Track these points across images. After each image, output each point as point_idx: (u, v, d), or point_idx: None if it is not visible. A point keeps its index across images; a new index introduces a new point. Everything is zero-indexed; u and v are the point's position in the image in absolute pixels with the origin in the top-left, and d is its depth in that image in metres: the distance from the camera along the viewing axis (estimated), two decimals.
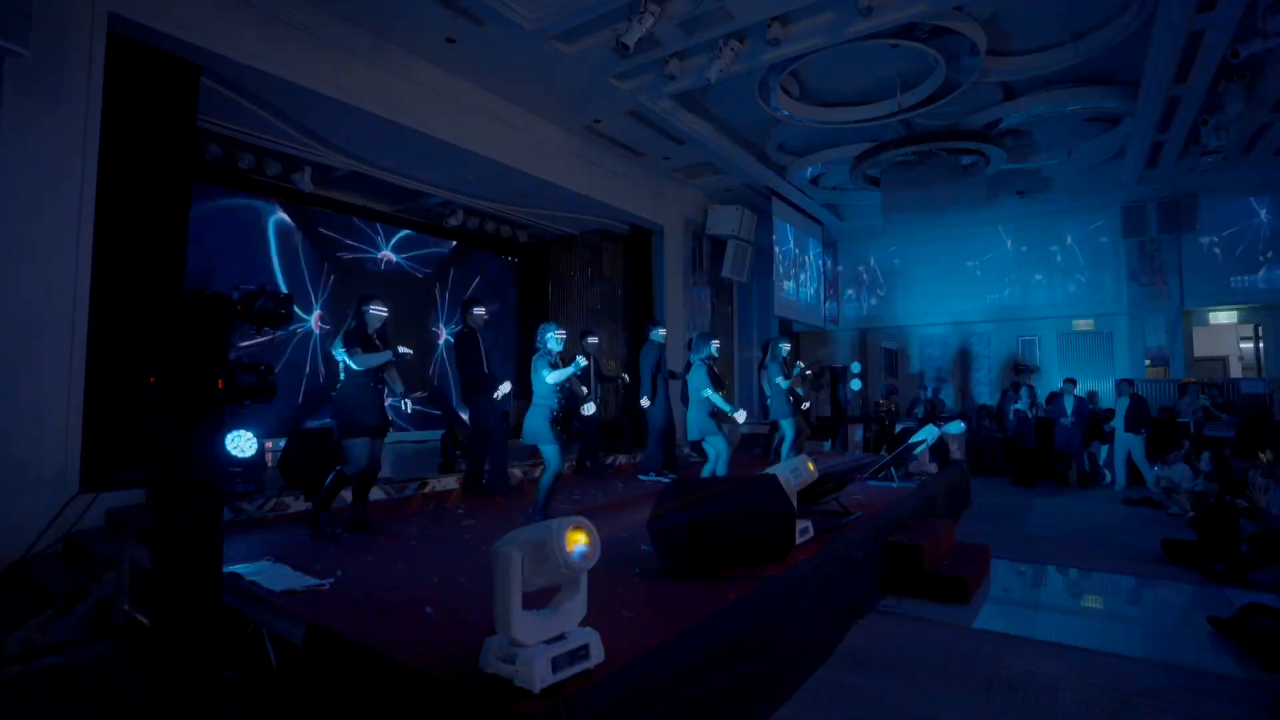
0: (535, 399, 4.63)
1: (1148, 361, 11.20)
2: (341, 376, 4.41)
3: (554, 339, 4.77)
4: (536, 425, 4.56)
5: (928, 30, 6.59)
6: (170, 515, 2.73)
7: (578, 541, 1.97)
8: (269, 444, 5.41)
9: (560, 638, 2.02)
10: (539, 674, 1.89)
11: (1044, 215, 12.02)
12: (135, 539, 3.86)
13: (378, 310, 4.46)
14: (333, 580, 3.11)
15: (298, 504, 4.88)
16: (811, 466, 3.69)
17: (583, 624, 2.14)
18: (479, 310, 5.99)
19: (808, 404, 7.11)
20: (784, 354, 6.83)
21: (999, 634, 3.93)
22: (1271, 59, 7.01)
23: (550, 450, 4.56)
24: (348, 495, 4.54)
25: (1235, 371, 12.78)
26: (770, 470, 3.66)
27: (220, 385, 2.72)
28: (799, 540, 3.70)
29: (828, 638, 3.65)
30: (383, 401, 4.46)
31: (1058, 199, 11.44)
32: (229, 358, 2.80)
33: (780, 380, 6.45)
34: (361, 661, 2.34)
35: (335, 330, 8.56)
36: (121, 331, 4.95)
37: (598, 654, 2.07)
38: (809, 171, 10.67)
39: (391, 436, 9.13)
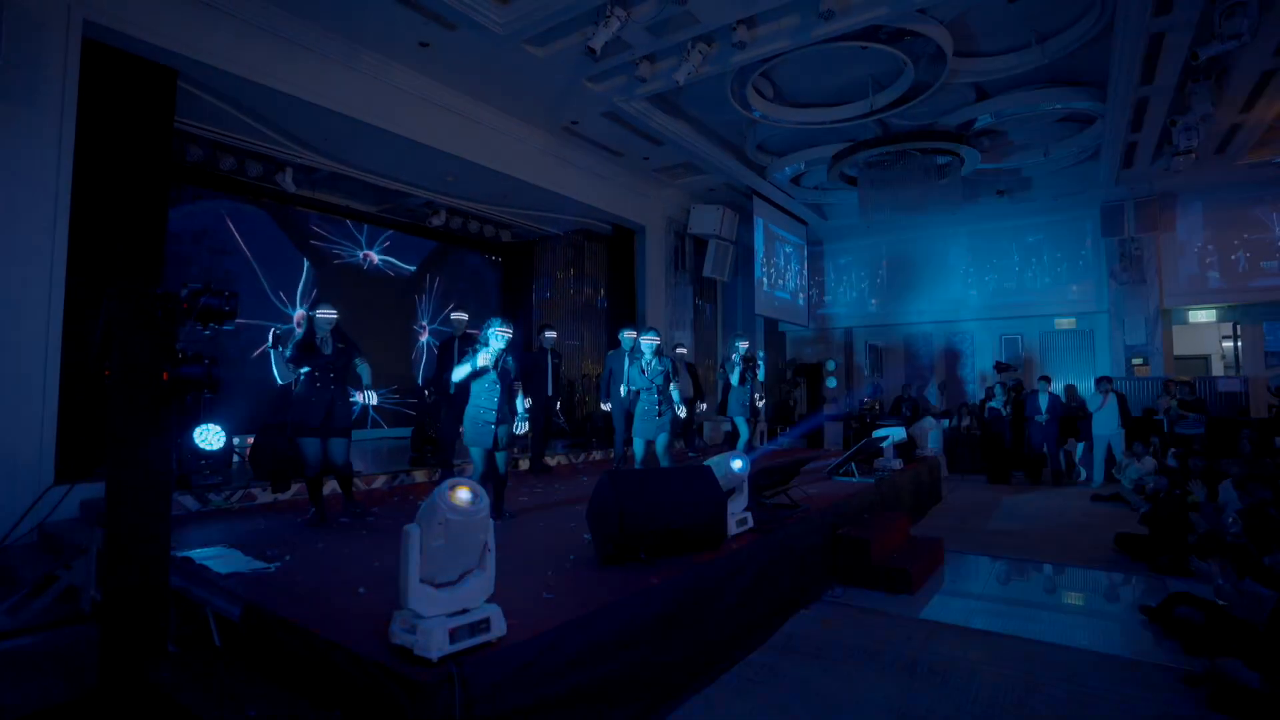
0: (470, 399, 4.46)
1: (1140, 360, 11.28)
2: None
3: (495, 334, 4.35)
4: (466, 426, 4.45)
5: (891, 33, 6.71)
6: (120, 500, 2.88)
7: (459, 495, 2.11)
8: (237, 439, 5.54)
9: (463, 612, 2.15)
10: (436, 644, 2.03)
11: (1026, 214, 12.12)
12: (100, 526, 4.00)
13: (325, 314, 4.48)
14: (279, 564, 3.25)
15: (265, 495, 5.04)
16: (738, 464, 3.81)
17: (500, 603, 2.27)
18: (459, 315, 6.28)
19: (763, 401, 7.21)
20: (740, 355, 6.92)
21: (935, 623, 4.06)
22: (1236, 60, 7.09)
23: (476, 453, 4.42)
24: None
25: (1218, 370, 12.86)
26: (706, 462, 3.79)
27: (165, 377, 2.88)
28: (737, 530, 3.83)
29: (765, 624, 3.77)
30: (334, 402, 4.45)
31: (1038, 198, 11.53)
32: (177, 351, 2.96)
33: (734, 380, 6.59)
34: (289, 636, 2.48)
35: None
36: (97, 329, 5.09)
37: (499, 628, 2.21)
38: (789, 171, 10.78)
39: (369, 433, 9.31)
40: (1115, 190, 10.76)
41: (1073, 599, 4.64)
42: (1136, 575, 5.04)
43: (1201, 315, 11.41)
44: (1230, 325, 11.53)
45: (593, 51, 6.09)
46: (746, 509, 4.04)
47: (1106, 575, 5.13)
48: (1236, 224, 10.60)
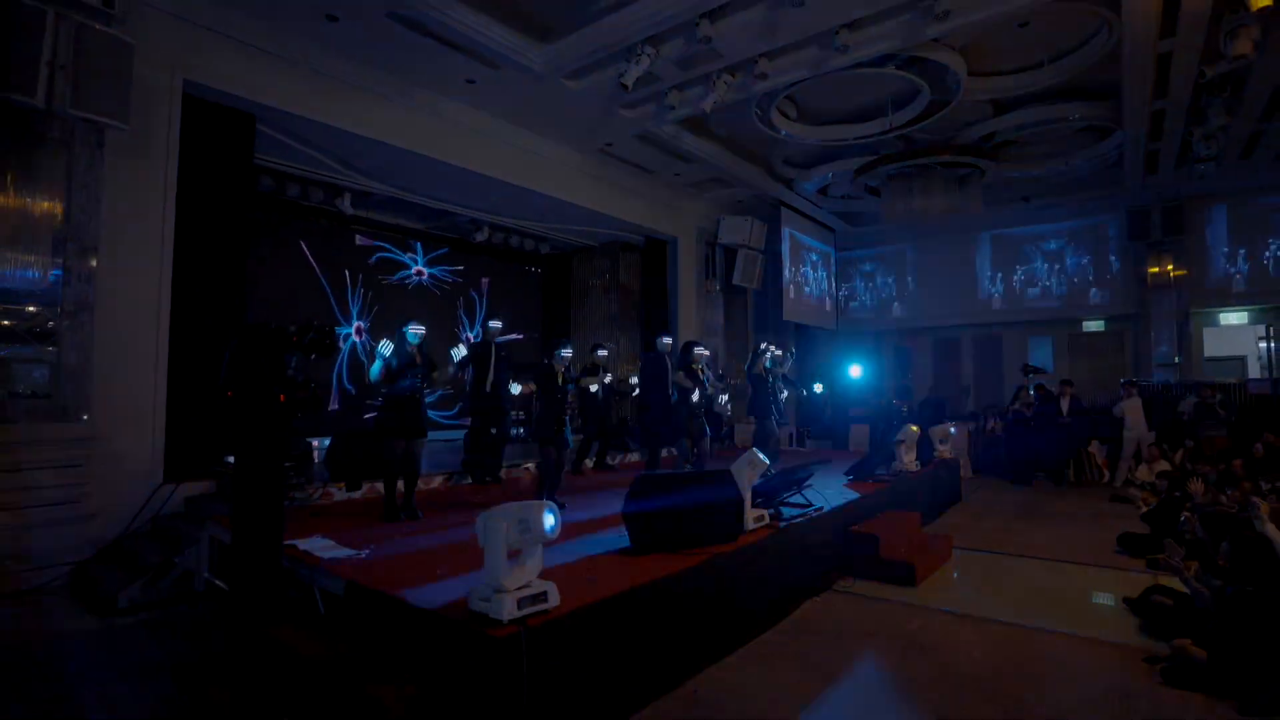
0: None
1: (1177, 359, 11.38)
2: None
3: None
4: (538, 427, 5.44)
5: (906, 60, 7.10)
6: (245, 498, 3.57)
7: (549, 519, 2.71)
8: (314, 442, 6.27)
9: (525, 585, 2.74)
10: (508, 610, 2.61)
11: (1051, 219, 12.28)
12: (215, 520, 4.73)
13: (416, 330, 5.25)
14: (366, 552, 3.91)
15: (340, 494, 5.75)
16: (761, 457, 4.33)
17: (553, 582, 2.86)
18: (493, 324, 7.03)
19: (785, 394, 7.72)
20: (763, 356, 7.51)
21: (933, 609, 4.51)
22: (1248, 75, 7.28)
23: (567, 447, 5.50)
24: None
25: (1254, 371, 12.79)
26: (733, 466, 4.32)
27: (282, 399, 3.55)
28: (752, 526, 4.34)
29: (778, 609, 4.28)
30: (421, 407, 5.22)
31: (1064, 204, 11.70)
32: (287, 377, 3.62)
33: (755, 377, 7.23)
34: (386, 607, 3.11)
35: (375, 340, 9.53)
36: (195, 349, 5.82)
37: (554, 600, 2.79)
38: (816, 182, 11.19)
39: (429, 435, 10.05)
40: (1141, 194, 10.90)
41: (1067, 591, 5.02)
42: (1131, 571, 5.38)
43: (1233, 317, 11.44)
44: (1264, 327, 11.52)
45: (625, 88, 6.65)
46: (763, 507, 4.56)
47: (1103, 571, 5.48)
48: (1265, 226, 10.63)
